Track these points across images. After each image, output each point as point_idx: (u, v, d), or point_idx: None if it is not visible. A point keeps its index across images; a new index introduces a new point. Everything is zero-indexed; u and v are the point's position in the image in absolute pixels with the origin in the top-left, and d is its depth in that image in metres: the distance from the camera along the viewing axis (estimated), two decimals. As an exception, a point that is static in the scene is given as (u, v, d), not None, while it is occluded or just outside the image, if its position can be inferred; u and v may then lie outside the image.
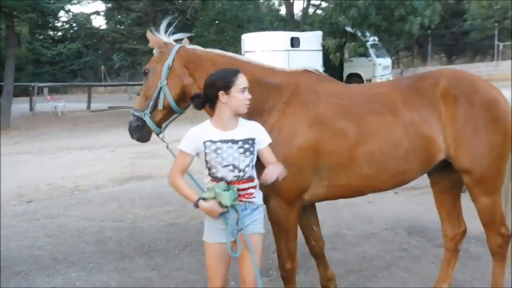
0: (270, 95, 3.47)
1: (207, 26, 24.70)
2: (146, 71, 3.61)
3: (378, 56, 25.10)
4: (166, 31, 3.70)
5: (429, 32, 29.78)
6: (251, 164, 3.06)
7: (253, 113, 3.28)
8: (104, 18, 39.35)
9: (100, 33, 27.27)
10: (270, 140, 3.16)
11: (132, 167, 10.75)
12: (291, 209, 3.39)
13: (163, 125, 3.65)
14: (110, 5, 30.01)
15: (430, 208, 6.74)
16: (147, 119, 3.51)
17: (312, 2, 25.79)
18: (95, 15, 32.56)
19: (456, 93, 3.47)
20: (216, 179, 3.03)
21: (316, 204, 3.91)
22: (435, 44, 37.41)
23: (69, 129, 18.66)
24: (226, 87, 3.02)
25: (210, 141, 3.02)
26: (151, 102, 3.51)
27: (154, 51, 3.65)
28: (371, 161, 3.43)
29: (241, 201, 3.04)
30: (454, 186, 3.92)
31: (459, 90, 3.48)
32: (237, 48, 23.56)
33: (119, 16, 35.20)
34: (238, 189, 3.02)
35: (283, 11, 25.43)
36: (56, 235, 6.16)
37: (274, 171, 2.98)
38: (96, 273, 4.97)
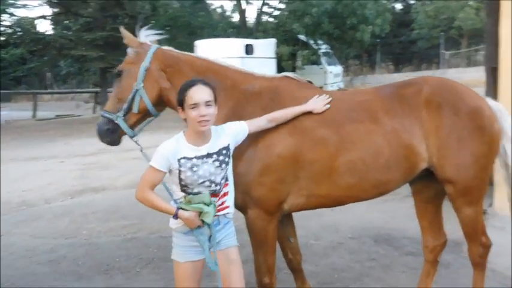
0: (248, 101, 3.34)
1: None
2: (119, 72, 3.45)
3: (329, 64, 25.38)
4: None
5: (378, 40, 30.47)
6: (225, 175, 2.91)
7: (233, 120, 3.15)
8: (50, 23, 38.18)
9: (46, 39, 26.15)
10: (246, 129, 3.07)
11: (83, 179, 10.25)
12: (271, 219, 3.23)
13: (137, 129, 3.49)
14: (57, 9, 29.01)
15: (394, 216, 6.80)
16: (120, 121, 3.37)
17: (264, 10, 25.81)
18: (41, 20, 31.50)
19: (440, 101, 3.37)
20: (186, 195, 2.86)
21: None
22: (383, 53, 38.38)
23: (14, 138, 17.73)
24: (180, 103, 2.83)
25: (184, 158, 2.81)
26: (126, 105, 3.37)
27: (129, 50, 3.47)
28: (352, 170, 3.31)
29: (216, 215, 2.88)
30: (437, 196, 3.83)
31: (443, 98, 3.39)
32: (190, 56, 23.23)
33: (66, 21, 34.10)
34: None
35: (235, 18, 25.29)
36: (3, 256, 5.59)
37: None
38: (50, 298, 4.58)
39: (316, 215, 6.43)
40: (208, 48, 17.74)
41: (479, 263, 3.68)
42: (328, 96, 3.36)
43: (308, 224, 6.25)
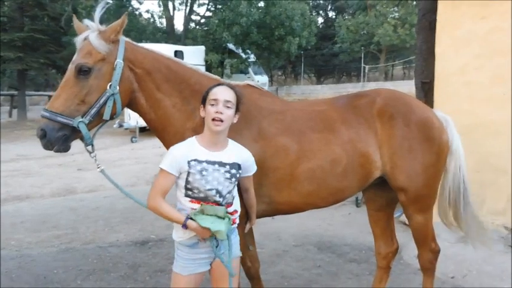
0: None
1: (82, 35, 23.39)
2: (86, 68, 2.96)
3: (255, 73, 25.67)
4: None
5: (302, 52, 31.20)
6: (233, 191, 2.82)
7: (196, 128, 3.08)
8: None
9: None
10: (255, 169, 2.96)
11: (4, 186, 9.60)
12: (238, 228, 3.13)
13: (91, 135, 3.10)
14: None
15: (331, 223, 6.96)
16: (82, 127, 2.94)
17: (192, 17, 25.68)
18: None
19: (392, 112, 3.50)
20: (195, 200, 2.74)
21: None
22: (306, 64, 39.31)
23: None
24: (204, 100, 2.77)
25: (195, 160, 2.71)
26: (94, 109, 2.97)
27: (98, 43, 3.00)
28: (311, 178, 3.35)
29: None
30: (388, 204, 3.97)
31: (395, 109, 3.51)
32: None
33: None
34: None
35: (162, 23, 24.93)
36: None
37: None
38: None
39: (257, 223, 6.44)
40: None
41: (428, 268, 3.83)
42: None
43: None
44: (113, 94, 3.01)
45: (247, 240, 3.70)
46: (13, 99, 28.11)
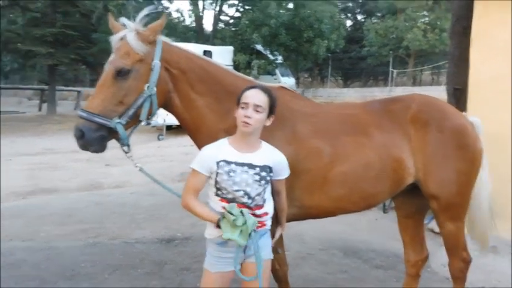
0: None
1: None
2: (125, 70, 2.95)
3: (282, 75, 25.64)
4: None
5: (329, 55, 31.03)
6: (263, 192, 2.79)
7: (229, 129, 3.05)
8: (-7, 16, 36.54)
9: (-9, 32, 25.00)
10: (288, 173, 2.92)
11: (33, 179, 9.80)
12: None
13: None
14: (3, 2, 27.85)
15: (357, 228, 6.90)
16: (119, 128, 2.94)
17: (221, 17, 25.78)
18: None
19: (427, 118, 3.46)
20: (225, 199, 2.75)
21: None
22: (333, 67, 39.09)
23: (-46, 134, 16.80)
24: (238, 101, 2.77)
25: (224, 161, 2.72)
26: (132, 110, 2.97)
27: (136, 44, 2.98)
28: (344, 182, 3.32)
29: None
30: (418, 211, 3.92)
31: (430, 116, 3.47)
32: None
33: (11, 15, 32.77)
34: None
35: (189, 22, 25.11)
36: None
37: None
38: (13, 304, 4.30)
39: (283, 225, 6.43)
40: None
41: (459, 277, 3.76)
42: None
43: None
44: (150, 95, 3.01)
45: (275, 243, 3.68)
46: (43, 93, 28.62)
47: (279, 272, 3.70)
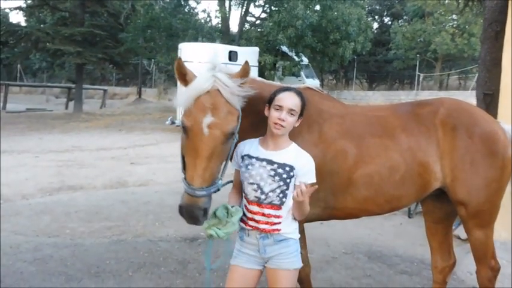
0: None
1: (140, 32, 23.98)
2: (233, 131, 2.71)
3: (307, 77, 25.57)
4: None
5: (355, 57, 30.86)
6: (279, 190, 2.75)
7: (254, 129, 3.02)
8: (23, 15, 37.24)
9: (23, 31, 25.46)
10: (312, 180, 2.79)
11: (60, 176, 9.93)
12: None
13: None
14: (33, 1, 28.41)
15: (381, 233, 6.82)
16: (220, 186, 2.72)
17: (247, 18, 25.82)
18: (17, 11, 30.73)
19: (455, 123, 3.40)
20: (245, 195, 2.84)
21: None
22: (358, 70, 38.85)
23: (-17, 130, 17.17)
24: (270, 101, 2.79)
25: (247, 155, 2.80)
26: (224, 162, 2.78)
27: (234, 101, 2.70)
28: (369, 184, 3.31)
29: (264, 230, 2.79)
30: (447, 217, 3.85)
31: (458, 121, 3.42)
32: (168, 57, 23.06)
33: (40, 14, 33.41)
34: (258, 214, 2.78)
35: (215, 22, 25.20)
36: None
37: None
38: (40, 299, 4.35)
39: (305, 227, 6.39)
40: (192, 52, 17.51)
41: (487, 286, 3.67)
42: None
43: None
44: (235, 141, 2.83)
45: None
46: (70, 91, 29.08)
47: (301, 273, 3.66)
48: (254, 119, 3.00)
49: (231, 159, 2.91)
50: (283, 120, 2.70)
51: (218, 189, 2.70)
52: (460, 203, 3.44)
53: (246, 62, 2.81)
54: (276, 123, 2.70)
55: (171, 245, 5.83)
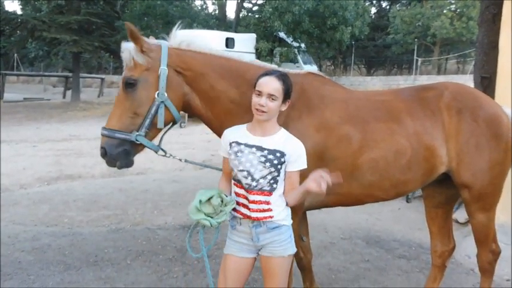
0: None
1: (136, 20, 23.80)
2: (131, 81, 2.98)
3: (305, 63, 25.44)
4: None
5: (353, 43, 30.66)
6: (270, 177, 2.71)
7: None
8: (19, 3, 36.97)
9: (19, 19, 25.27)
10: (304, 166, 2.79)
11: (58, 165, 9.93)
12: (293, 218, 3.01)
13: (158, 139, 3.20)
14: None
15: (379, 218, 6.84)
16: (142, 140, 2.99)
17: (244, 5, 25.65)
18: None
19: (460, 107, 3.39)
20: (235, 181, 2.80)
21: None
22: (356, 55, 38.59)
23: (-20, 120, 17.11)
24: (254, 87, 2.74)
25: (236, 142, 2.76)
26: (147, 120, 2.99)
27: (137, 55, 2.99)
28: (374, 169, 3.29)
29: (257, 218, 2.75)
30: (447, 202, 3.86)
31: (463, 104, 3.41)
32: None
33: (36, 2, 33.13)
34: (249, 201, 2.74)
35: (211, 10, 25.04)
36: (-17, 241, 5.36)
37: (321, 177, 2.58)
38: (38, 288, 4.34)
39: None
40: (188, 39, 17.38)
41: (487, 269, 3.70)
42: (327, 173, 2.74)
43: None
44: (162, 101, 3.00)
45: (301, 230, 3.65)
46: (67, 80, 29.00)
47: (303, 260, 3.69)
48: None
49: (172, 124, 3.20)
50: (263, 106, 2.65)
51: (131, 144, 2.98)
52: (464, 186, 3.44)
53: (126, 24, 3.06)
54: (257, 109, 2.67)
55: (169, 233, 5.84)
